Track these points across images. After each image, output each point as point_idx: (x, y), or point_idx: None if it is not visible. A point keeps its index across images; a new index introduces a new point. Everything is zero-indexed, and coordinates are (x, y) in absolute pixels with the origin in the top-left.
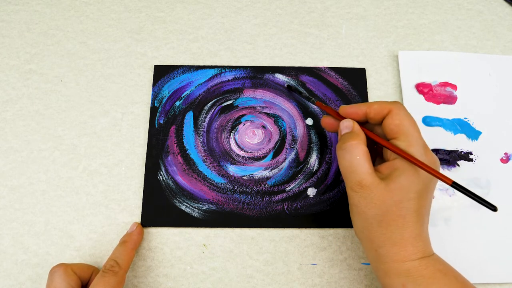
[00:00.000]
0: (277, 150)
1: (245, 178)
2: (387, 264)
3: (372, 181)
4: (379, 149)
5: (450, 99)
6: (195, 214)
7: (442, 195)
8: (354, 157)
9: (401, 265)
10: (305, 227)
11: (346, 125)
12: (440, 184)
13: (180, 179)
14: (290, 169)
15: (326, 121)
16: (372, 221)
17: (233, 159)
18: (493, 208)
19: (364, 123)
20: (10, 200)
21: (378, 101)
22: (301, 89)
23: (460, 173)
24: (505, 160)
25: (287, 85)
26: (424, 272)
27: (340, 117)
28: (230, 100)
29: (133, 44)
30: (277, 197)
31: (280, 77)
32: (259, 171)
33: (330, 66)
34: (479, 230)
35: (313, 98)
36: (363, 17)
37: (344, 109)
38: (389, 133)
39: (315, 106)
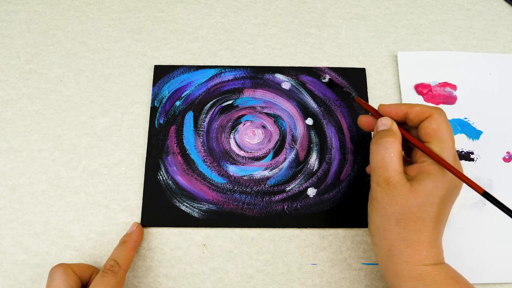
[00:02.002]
0: (277, 150)
1: (245, 178)
2: (399, 266)
3: (399, 179)
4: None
5: (449, 99)
6: (195, 214)
7: None
8: (388, 153)
9: (414, 268)
10: (305, 227)
11: (384, 123)
12: None
13: (180, 179)
14: (290, 169)
15: (363, 120)
16: (390, 218)
17: (233, 159)
18: None
19: (400, 124)
20: (10, 200)
21: (420, 104)
22: (342, 84)
23: None
24: (507, 159)
25: (329, 79)
26: (437, 277)
27: (378, 115)
28: (230, 100)
29: (133, 44)
30: (277, 197)
31: (280, 77)
32: (259, 171)
33: (330, 66)
34: (480, 230)
35: (353, 94)
36: (363, 17)
37: (383, 107)
38: (424, 136)
39: (318, 109)
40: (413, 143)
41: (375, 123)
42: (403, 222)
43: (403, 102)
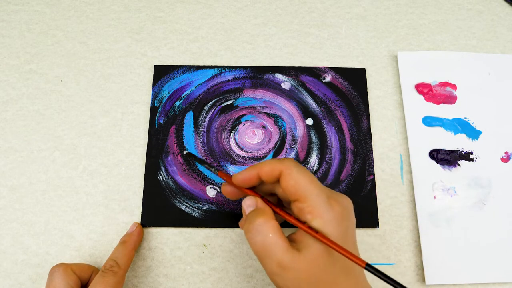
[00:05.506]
0: (277, 150)
1: None
2: None
3: (292, 257)
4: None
5: (450, 99)
6: (195, 214)
7: (444, 195)
8: (266, 236)
9: None
10: None
11: (249, 204)
12: (442, 184)
13: (180, 179)
14: None
15: (227, 190)
16: None
17: (233, 159)
18: None
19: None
20: (10, 200)
21: (268, 161)
22: (202, 158)
23: (461, 173)
24: (505, 159)
25: (187, 153)
26: None
27: (242, 190)
28: (230, 100)
29: (133, 44)
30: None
31: (280, 77)
32: None
33: (330, 66)
34: (480, 230)
35: (213, 169)
36: (363, 17)
37: (235, 177)
38: (289, 196)
39: (318, 109)
40: (284, 218)
41: (239, 194)
42: None
43: (404, 101)
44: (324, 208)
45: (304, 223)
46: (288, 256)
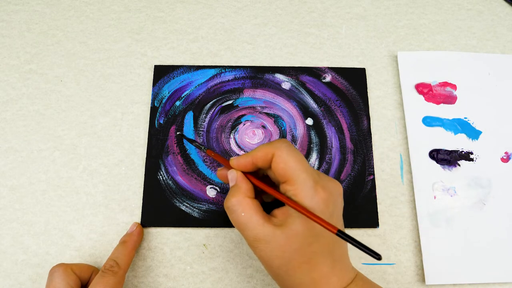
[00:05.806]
0: None
1: None
2: None
3: (266, 232)
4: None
5: (450, 99)
6: (195, 214)
7: (443, 195)
8: (239, 215)
9: None
10: None
11: (231, 178)
12: (442, 184)
13: (180, 179)
14: None
15: (223, 174)
16: (279, 271)
17: None
18: (378, 257)
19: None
20: (10, 200)
21: (261, 146)
22: (192, 138)
23: (461, 173)
24: (505, 159)
25: (179, 134)
26: None
27: (230, 167)
28: (230, 100)
29: (133, 44)
30: None
31: (280, 77)
32: None
33: (330, 66)
34: (480, 230)
35: (203, 147)
36: (363, 17)
37: (232, 162)
38: (278, 178)
39: (318, 109)
40: (266, 191)
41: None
42: (291, 271)
43: (404, 101)
44: (309, 194)
45: (283, 194)
46: (263, 231)
